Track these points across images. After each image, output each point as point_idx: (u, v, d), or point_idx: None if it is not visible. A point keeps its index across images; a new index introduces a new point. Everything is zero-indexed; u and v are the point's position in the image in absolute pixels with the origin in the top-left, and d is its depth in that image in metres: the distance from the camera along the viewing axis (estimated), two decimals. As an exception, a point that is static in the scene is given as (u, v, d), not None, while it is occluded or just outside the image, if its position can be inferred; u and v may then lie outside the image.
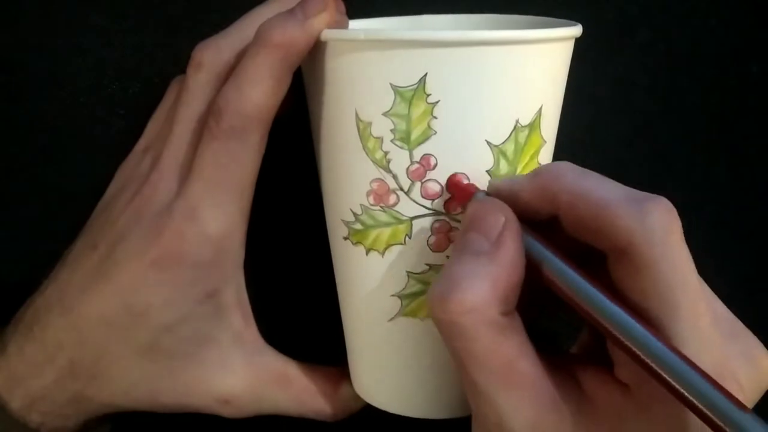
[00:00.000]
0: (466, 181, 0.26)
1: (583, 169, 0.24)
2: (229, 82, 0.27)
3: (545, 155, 0.28)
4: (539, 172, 0.24)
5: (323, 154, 0.29)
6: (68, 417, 0.30)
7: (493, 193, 0.25)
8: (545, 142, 0.28)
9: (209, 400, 0.30)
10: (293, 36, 0.26)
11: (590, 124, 0.36)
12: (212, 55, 0.28)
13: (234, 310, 0.30)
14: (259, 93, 0.26)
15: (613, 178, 0.23)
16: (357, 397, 0.32)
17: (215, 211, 0.28)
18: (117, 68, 0.34)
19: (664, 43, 0.36)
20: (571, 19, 0.28)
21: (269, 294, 0.35)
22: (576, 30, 0.27)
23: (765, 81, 0.36)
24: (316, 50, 0.27)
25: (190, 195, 0.27)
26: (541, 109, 0.27)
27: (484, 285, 0.22)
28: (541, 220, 0.24)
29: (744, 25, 0.36)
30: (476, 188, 0.26)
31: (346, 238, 0.29)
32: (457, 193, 0.26)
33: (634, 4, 0.36)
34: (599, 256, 0.24)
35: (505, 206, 0.24)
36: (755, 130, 0.37)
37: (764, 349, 0.24)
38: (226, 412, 0.30)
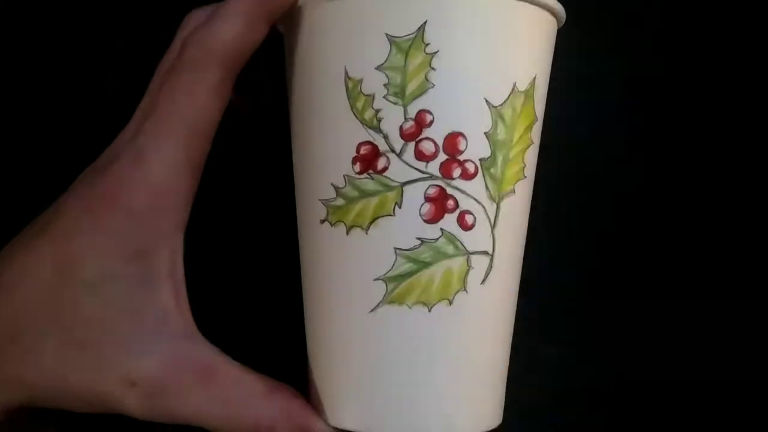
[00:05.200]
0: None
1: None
2: (203, 21, 0.26)
3: (536, 133, 0.27)
4: None
5: (302, 126, 0.27)
6: None
7: None
8: (537, 119, 0.27)
9: (115, 380, 0.25)
10: None
11: (594, 123, 0.36)
12: (198, 14, 0.28)
13: (164, 281, 0.26)
14: (227, 29, 0.26)
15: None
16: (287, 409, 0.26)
17: (159, 152, 0.26)
18: (119, 68, 0.35)
19: (664, 44, 0.37)
20: (573, 17, 0.28)
21: (223, 293, 0.31)
22: (563, 11, 0.27)
23: (766, 82, 0.37)
24: (302, 6, 0.26)
25: (140, 135, 0.26)
26: (535, 79, 0.26)
27: None
28: None
29: (745, 26, 0.37)
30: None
31: (323, 221, 0.26)
32: None
33: (636, 5, 0.37)
34: None
35: None
36: (757, 131, 0.37)
37: None
38: (132, 399, 0.25)
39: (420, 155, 0.25)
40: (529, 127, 0.26)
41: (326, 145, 0.26)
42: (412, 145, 0.25)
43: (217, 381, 0.26)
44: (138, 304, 0.26)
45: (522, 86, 0.26)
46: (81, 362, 0.25)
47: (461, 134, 0.25)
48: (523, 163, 0.26)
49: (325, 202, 0.26)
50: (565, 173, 0.36)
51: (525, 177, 0.26)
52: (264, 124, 0.30)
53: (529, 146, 0.26)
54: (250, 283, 0.35)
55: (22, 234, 0.28)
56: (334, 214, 0.26)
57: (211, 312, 0.28)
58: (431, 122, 0.25)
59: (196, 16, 0.29)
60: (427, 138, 0.25)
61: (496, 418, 0.27)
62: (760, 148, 0.38)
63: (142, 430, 0.26)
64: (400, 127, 0.25)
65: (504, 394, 0.28)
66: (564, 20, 0.28)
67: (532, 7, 0.26)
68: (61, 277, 0.25)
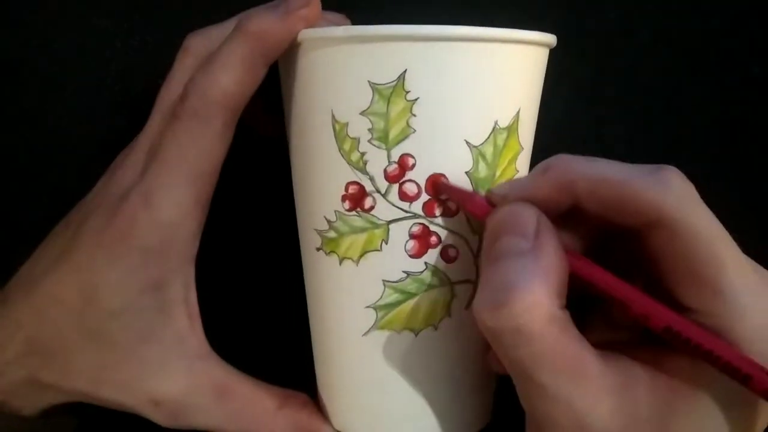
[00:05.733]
0: (468, 188, 0.26)
1: (585, 156, 0.24)
2: (201, 66, 0.27)
3: (522, 162, 0.28)
4: (548, 167, 0.24)
5: (297, 160, 0.28)
6: (24, 397, 0.29)
7: (499, 199, 0.25)
8: (522, 148, 0.28)
9: (142, 399, 0.28)
10: (270, 27, 0.26)
11: (591, 124, 0.36)
12: (199, 41, 0.29)
13: (179, 308, 0.28)
14: (226, 78, 0.26)
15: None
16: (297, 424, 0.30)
17: (168, 195, 0.27)
18: (118, 69, 0.35)
19: (664, 43, 0.36)
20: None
21: (234, 306, 0.33)
22: (551, 38, 0.27)
23: (766, 83, 0.36)
24: (293, 49, 0.27)
25: (148, 178, 0.27)
26: (518, 113, 0.27)
27: (539, 281, 0.22)
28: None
29: (745, 27, 0.36)
30: (483, 198, 0.25)
31: (318, 249, 0.28)
32: (468, 204, 0.26)
33: (634, 4, 0.36)
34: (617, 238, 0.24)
35: (530, 204, 0.24)
36: (757, 131, 0.37)
37: None
38: (158, 416, 0.28)
39: (404, 196, 0.26)
40: (514, 159, 0.27)
41: (319, 181, 0.27)
42: (396, 186, 0.26)
43: (231, 398, 0.29)
44: (156, 330, 0.28)
45: (504, 123, 0.26)
46: (110, 380, 0.28)
47: (443, 175, 0.26)
48: (507, 192, 0.27)
49: (320, 233, 0.28)
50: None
51: (509, 205, 0.28)
52: (275, 143, 0.31)
53: (513, 176, 0.27)
54: (262, 293, 0.37)
55: (41, 255, 0.30)
56: (328, 245, 0.27)
57: (228, 323, 0.31)
58: (414, 165, 0.26)
59: (195, 44, 0.29)
60: (410, 180, 0.26)
61: (482, 421, 0.30)
62: (760, 149, 0.37)
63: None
64: (385, 170, 0.26)
65: (492, 396, 0.30)
66: (555, 43, 0.28)
67: (516, 45, 0.26)
68: (86, 305, 0.28)
